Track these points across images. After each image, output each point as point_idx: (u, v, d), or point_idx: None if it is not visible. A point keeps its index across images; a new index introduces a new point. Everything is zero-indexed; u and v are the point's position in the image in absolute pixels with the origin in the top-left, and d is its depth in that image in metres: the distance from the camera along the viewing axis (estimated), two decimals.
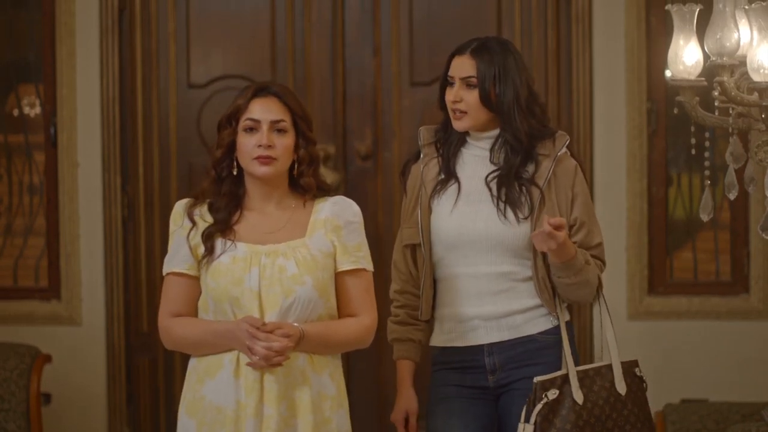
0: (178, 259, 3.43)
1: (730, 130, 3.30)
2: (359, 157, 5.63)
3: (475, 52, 3.66)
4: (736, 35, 3.13)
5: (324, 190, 3.51)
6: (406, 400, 3.76)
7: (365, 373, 5.62)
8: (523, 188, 3.64)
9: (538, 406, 3.54)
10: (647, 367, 3.76)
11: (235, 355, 3.34)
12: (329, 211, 3.45)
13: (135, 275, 5.65)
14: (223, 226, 3.41)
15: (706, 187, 3.42)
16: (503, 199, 3.64)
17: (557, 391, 3.56)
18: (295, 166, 3.46)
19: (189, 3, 5.63)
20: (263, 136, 3.39)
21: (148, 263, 5.64)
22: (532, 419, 3.53)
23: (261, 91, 3.45)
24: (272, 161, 3.39)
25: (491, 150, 3.70)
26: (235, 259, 3.37)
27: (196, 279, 3.42)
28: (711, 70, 3.19)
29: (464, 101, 3.66)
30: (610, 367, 3.65)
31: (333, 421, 3.39)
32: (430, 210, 3.72)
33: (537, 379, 3.55)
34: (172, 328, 3.42)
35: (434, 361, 3.78)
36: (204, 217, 3.44)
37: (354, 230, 3.46)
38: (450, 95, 3.68)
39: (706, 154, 3.41)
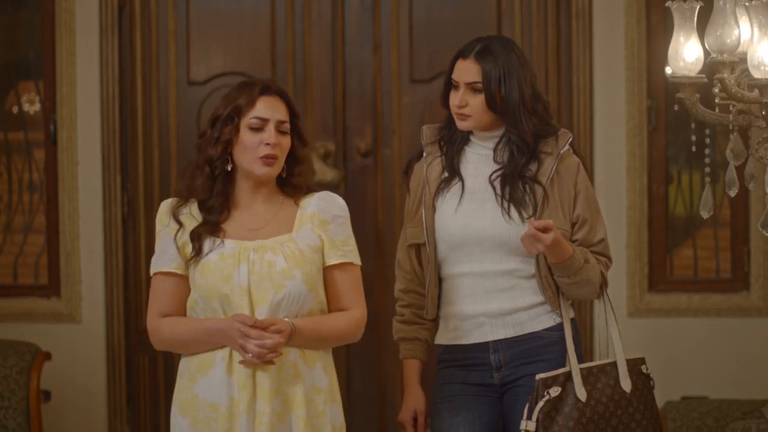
0: (165, 258, 3.42)
1: (731, 127, 3.30)
2: (359, 154, 5.62)
3: (479, 56, 3.64)
4: (736, 32, 3.12)
5: (310, 190, 3.50)
6: (414, 399, 3.76)
7: (366, 371, 5.61)
8: (527, 187, 3.64)
9: (540, 403, 3.54)
10: (647, 365, 3.75)
11: (227, 352, 3.34)
12: (315, 206, 3.45)
13: (135, 273, 5.65)
14: (212, 227, 3.40)
15: (707, 185, 3.42)
16: (507, 198, 3.64)
17: (559, 389, 3.56)
18: (284, 167, 3.44)
19: (189, 0, 5.62)
20: (271, 135, 3.38)
21: (148, 261, 5.57)
22: (534, 416, 3.53)
23: (266, 89, 3.43)
24: (275, 161, 3.39)
25: (495, 149, 3.70)
26: (223, 256, 3.36)
27: (184, 278, 3.41)
28: (711, 67, 3.19)
29: (469, 105, 3.65)
30: (614, 364, 3.65)
31: (326, 415, 3.39)
32: (434, 209, 3.72)
33: (539, 376, 3.55)
34: (161, 329, 3.41)
35: (439, 359, 3.78)
36: (192, 214, 3.42)
37: (341, 224, 3.46)
38: (455, 99, 3.67)
39: (707, 152, 3.41)
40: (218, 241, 3.38)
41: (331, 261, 3.43)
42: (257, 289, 3.34)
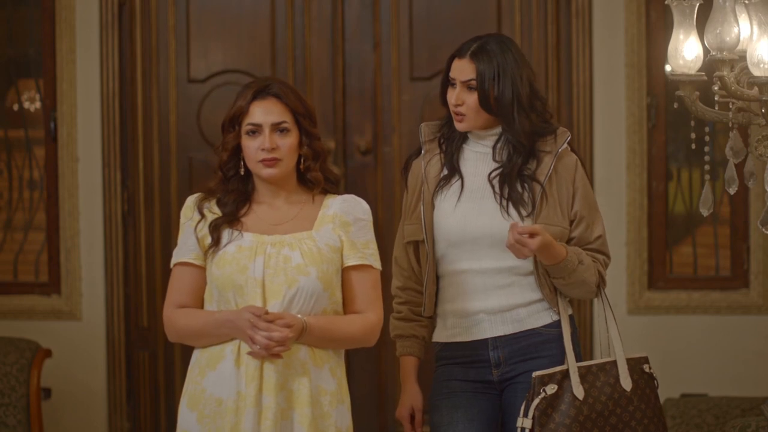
0: (184, 249, 3.44)
1: (730, 124, 3.30)
2: (359, 151, 5.63)
3: (474, 56, 3.65)
4: (736, 30, 3.12)
5: (333, 183, 3.50)
6: (411, 396, 3.76)
7: (365, 369, 5.62)
8: (526, 186, 3.64)
9: (536, 401, 3.54)
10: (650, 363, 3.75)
11: (236, 345, 3.34)
12: (339, 207, 3.45)
13: (135, 270, 5.65)
14: (230, 218, 3.42)
15: (706, 182, 3.42)
16: (506, 196, 3.64)
17: (556, 386, 3.56)
18: (302, 161, 3.45)
19: None
20: (265, 140, 3.39)
21: (148, 258, 5.65)
22: (531, 413, 3.53)
23: (260, 92, 3.44)
24: (277, 162, 3.40)
25: (494, 148, 3.71)
26: (240, 248, 3.38)
27: (202, 269, 3.43)
28: (711, 64, 3.18)
29: (465, 104, 3.66)
30: (615, 363, 3.65)
31: (332, 416, 3.38)
32: (432, 206, 3.72)
33: (536, 373, 3.55)
34: (175, 319, 3.42)
35: (437, 356, 3.78)
36: (212, 210, 3.45)
37: (363, 227, 3.46)
38: (452, 97, 3.68)
39: (706, 149, 3.41)
40: (237, 233, 3.40)
41: (350, 262, 3.43)
42: (271, 283, 3.34)
